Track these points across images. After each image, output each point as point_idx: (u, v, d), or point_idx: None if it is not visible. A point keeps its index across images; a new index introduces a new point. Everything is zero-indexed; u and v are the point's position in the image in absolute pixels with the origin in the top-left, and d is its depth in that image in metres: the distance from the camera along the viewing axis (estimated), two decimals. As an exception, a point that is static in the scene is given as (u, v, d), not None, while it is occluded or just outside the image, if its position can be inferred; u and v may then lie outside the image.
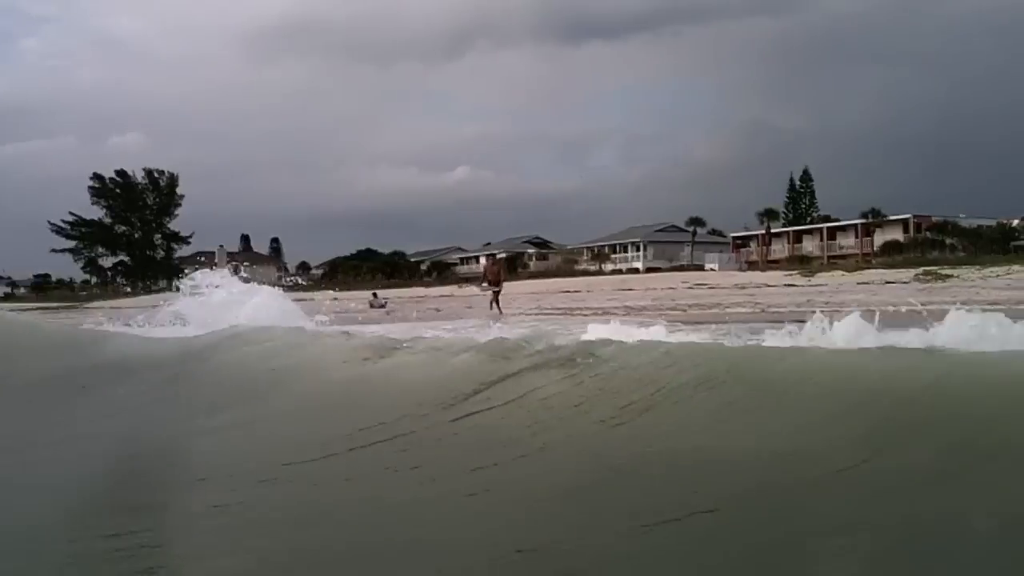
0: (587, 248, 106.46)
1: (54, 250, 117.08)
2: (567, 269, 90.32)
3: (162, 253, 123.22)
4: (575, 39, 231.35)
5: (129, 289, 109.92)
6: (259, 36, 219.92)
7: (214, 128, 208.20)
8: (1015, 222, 79.79)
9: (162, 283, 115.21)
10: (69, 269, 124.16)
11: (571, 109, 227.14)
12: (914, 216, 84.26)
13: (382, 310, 41.71)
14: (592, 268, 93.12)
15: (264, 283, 21.62)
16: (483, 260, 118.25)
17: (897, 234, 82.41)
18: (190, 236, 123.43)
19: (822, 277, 55.62)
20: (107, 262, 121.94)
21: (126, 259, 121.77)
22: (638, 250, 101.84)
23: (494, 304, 29.89)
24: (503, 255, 35.85)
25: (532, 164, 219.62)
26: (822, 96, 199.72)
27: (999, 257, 59.68)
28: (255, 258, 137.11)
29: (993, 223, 78.52)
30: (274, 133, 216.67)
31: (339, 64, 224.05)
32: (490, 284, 30.87)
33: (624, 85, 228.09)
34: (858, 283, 47.19)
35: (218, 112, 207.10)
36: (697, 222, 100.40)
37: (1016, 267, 48.88)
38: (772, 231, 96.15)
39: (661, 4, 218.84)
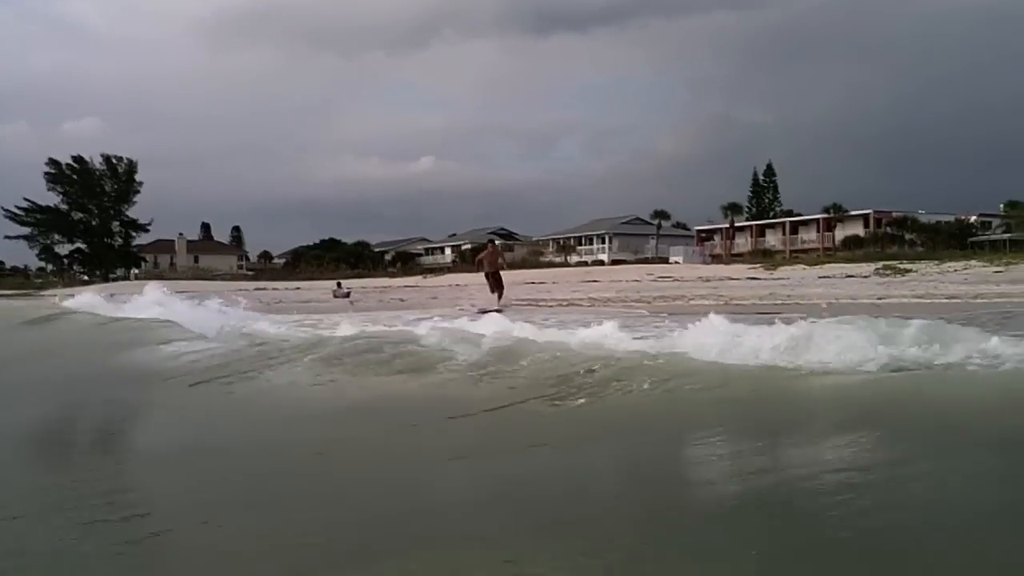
0: (553, 240, 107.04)
1: (8, 237, 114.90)
2: (533, 261, 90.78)
3: (120, 241, 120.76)
4: (542, 30, 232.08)
5: (86, 277, 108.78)
6: (220, 22, 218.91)
7: (174, 114, 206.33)
8: (973, 218, 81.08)
9: (120, 271, 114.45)
10: (24, 256, 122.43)
11: (537, 101, 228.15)
12: (874, 211, 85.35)
13: (346, 299, 41.86)
14: (558, 260, 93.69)
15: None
16: (449, 251, 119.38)
17: (858, 229, 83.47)
18: (149, 224, 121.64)
19: (784, 271, 56.38)
20: (63, 249, 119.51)
21: (83, 247, 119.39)
22: (603, 242, 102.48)
23: (497, 296, 27.35)
24: (498, 242, 32.98)
25: (498, 155, 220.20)
26: (787, 92, 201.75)
27: (957, 252, 60.75)
28: (215, 247, 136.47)
29: (952, 219, 79.72)
30: (235, 120, 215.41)
31: (301, 52, 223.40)
32: (490, 275, 27.76)
33: (590, 78, 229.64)
34: (819, 277, 47.92)
35: (178, 98, 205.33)
36: (662, 215, 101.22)
37: (974, 262, 49.80)
38: (736, 225, 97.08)
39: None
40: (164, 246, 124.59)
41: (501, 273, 28.59)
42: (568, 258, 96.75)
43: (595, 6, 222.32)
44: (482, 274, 28.68)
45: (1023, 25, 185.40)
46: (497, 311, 19.33)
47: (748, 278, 50.25)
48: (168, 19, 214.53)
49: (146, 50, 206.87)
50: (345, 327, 13.40)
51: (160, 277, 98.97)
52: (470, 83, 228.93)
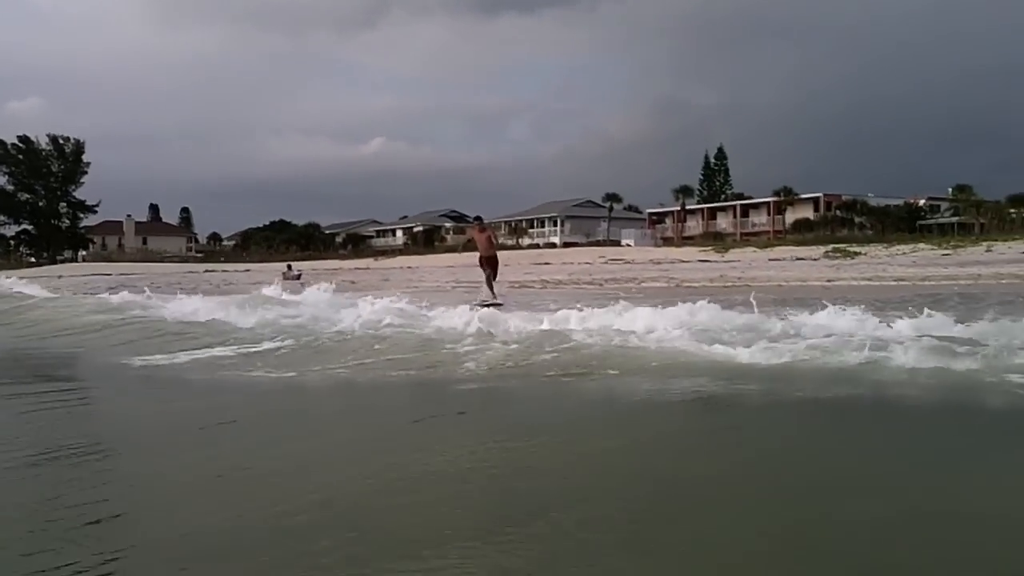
0: (504, 222, 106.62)
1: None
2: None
3: (68, 222, 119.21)
4: (490, 11, 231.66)
5: (33, 259, 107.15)
6: (166, 1, 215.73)
7: (120, 94, 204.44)
8: (922, 201, 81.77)
9: (67, 253, 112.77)
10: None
11: (487, 82, 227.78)
12: (824, 195, 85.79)
13: (297, 282, 41.29)
14: (509, 242, 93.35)
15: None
16: (400, 233, 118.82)
17: (808, 212, 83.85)
18: (97, 205, 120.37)
19: (735, 253, 56.52)
20: (9, 231, 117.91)
21: (30, 228, 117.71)
22: (555, 225, 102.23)
23: (487, 286, 21.93)
24: (487, 222, 29.28)
25: (448, 137, 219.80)
26: (737, 74, 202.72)
27: (906, 235, 61.27)
28: (164, 228, 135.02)
29: (901, 202, 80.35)
30: (182, 100, 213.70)
31: (248, 31, 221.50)
32: (484, 262, 22.36)
33: (541, 59, 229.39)
34: (770, 259, 48.07)
35: (124, 78, 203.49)
36: (614, 198, 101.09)
37: (922, 245, 50.21)
38: (687, 208, 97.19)
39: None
40: (112, 228, 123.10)
41: (497, 256, 23.19)
42: (520, 241, 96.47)
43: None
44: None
45: (965, 5, 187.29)
46: (497, 305, 18.25)
47: (699, 261, 50.32)
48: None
49: (90, 28, 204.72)
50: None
51: (108, 259, 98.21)
52: (420, 64, 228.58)
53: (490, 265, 22.36)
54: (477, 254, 22.69)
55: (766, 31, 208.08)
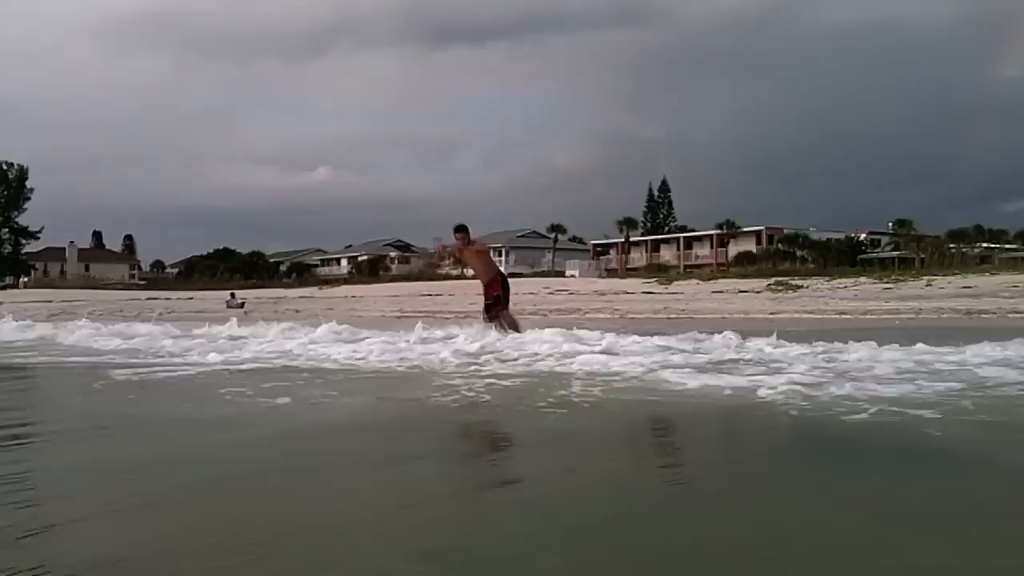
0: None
1: None
2: (429, 273, 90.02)
3: (9, 248, 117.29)
4: (439, 43, 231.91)
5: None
6: (112, 27, 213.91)
7: (64, 120, 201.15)
8: (863, 235, 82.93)
9: (8, 279, 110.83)
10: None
11: (434, 112, 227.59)
12: (767, 228, 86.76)
13: (240, 310, 40.75)
14: (455, 272, 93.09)
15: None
16: (345, 262, 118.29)
17: (751, 245, 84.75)
18: (40, 231, 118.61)
19: (679, 285, 56.65)
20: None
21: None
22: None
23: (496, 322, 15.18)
24: (474, 238, 16.43)
25: (395, 167, 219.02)
26: (681, 108, 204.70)
27: (848, 269, 61.86)
28: (107, 255, 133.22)
29: (842, 236, 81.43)
30: (128, 127, 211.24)
31: (195, 59, 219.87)
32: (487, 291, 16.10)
33: (487, 91, 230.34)
34: (713, 292, 48.21)
35: (69, 104, 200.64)
36: (558, 229, 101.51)
37: (864, 279, 50.65)
38: (631, 240, 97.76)
39: (524, 13, 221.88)
40: (55, 254, 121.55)
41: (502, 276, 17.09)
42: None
43: (491, 21, 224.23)
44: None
45: (906, 45, 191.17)
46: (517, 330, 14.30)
47: (643, 292, 50.34)
48: (56, 23, 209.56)
49: (34, 53, 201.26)
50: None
51: (50, 285, 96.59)
52: (368, 94, 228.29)
53: (495, 292, 15.89)
54: (418, 284, 16.92)
55: (710, 68, 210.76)
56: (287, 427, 6.53)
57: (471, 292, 55.73)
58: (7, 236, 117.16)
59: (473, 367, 10.18)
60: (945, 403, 6.68)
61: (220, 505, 4.24)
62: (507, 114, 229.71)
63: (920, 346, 10.38)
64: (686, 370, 9.02)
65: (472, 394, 7.99)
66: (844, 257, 73.35)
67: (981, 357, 9.52)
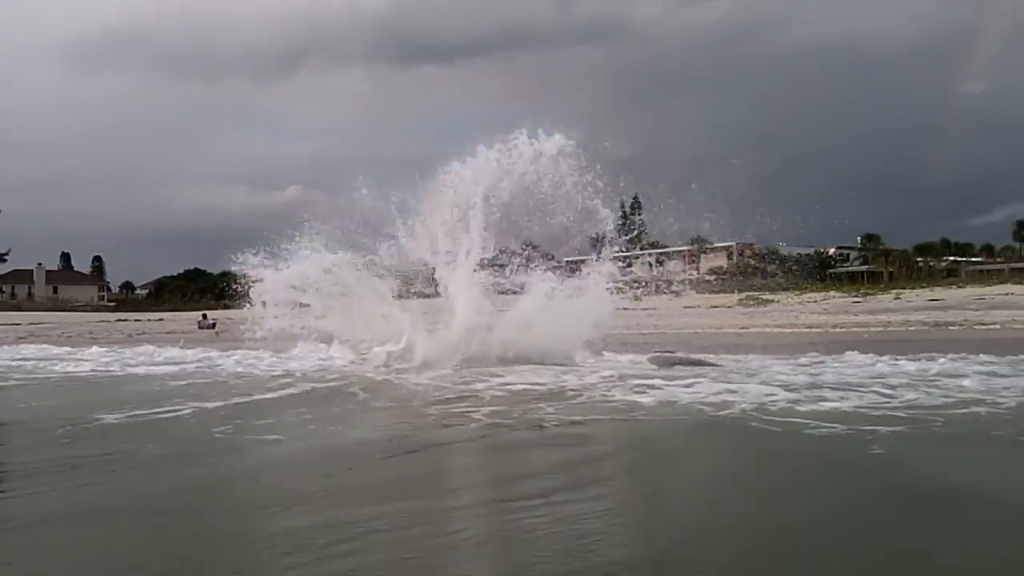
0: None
1: None
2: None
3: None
4: (408, 61, 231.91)
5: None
6: (79, 46, 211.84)
7: (31, 140, 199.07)
8: (832, 250, 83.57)
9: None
10: None
11: (405, 131, 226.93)
12: (738, 244, 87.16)
13: (211, 331, 40.71)
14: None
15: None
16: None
17: (722, 261, 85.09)
18: (6, 253, 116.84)
19: (652, 301, 56.94)
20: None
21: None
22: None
23: None
24: None
25: (365, 185, 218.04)
26: (651, 125, 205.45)
27: (817, 284, 62.40)
28: (76, 277, 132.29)
29: (811, 251, 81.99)
30: (95, 147, 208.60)
31: (163, 79, 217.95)
32: None
33: (459, 108, 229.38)
34: (685, 307, 48.54)
35: (35, 124, 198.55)
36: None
37: (833, 292, 51.18)
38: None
39: (493, 31, 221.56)
40: (22, 276, 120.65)
41: None
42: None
43: (460, 39, 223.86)
44: None
45: (877, 61, 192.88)
46: None
47: (618, 309, 50.58)
48: (20, 43, 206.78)
49: (1, 71, 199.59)
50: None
51: (17, 308, 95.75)
52: (338, 112, 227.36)
53: None
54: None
55: (679, 86, 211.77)
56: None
57: (445, 310, 55.92)
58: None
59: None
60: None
61: None
62: (478, 131, 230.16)
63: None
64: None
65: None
66: (814, 272, 73.88)
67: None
